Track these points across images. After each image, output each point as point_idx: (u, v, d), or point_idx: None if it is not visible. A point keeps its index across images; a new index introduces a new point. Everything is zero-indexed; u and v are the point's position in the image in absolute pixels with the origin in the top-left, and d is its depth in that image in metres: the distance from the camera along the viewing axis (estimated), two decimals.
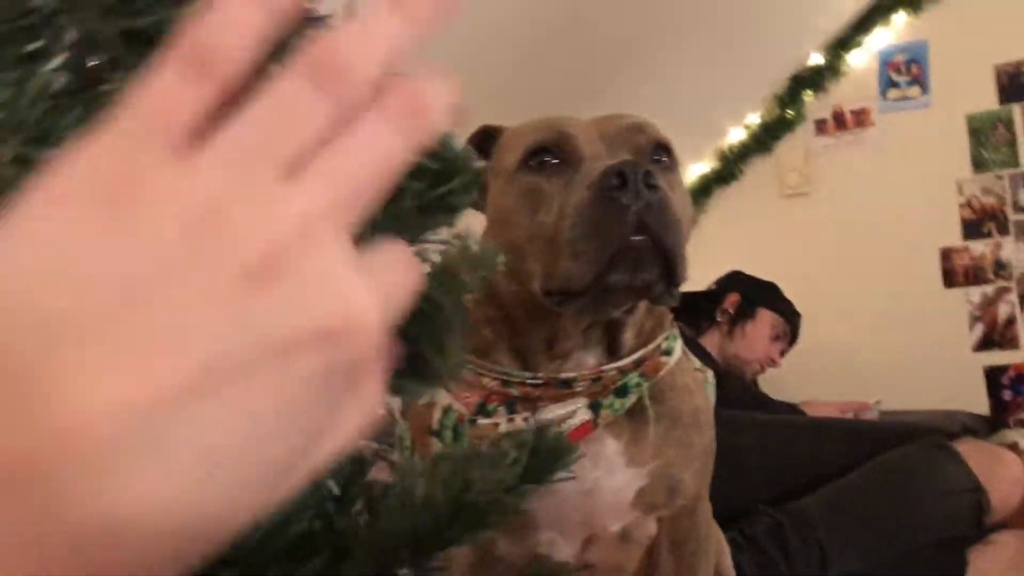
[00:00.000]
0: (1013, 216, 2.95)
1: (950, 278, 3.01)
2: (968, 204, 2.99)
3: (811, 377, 2.81)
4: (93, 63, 0.33)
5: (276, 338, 0.24)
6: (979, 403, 2.83)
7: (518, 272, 0.90)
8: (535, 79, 2.24)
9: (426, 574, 0.40)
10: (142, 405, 0.22)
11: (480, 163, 0.40)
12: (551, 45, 2.31)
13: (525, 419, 0.92)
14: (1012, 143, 2.94)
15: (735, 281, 2.56)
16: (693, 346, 1.15)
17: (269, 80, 0.25)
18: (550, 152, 0.91)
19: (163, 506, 0.22)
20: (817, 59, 3.19)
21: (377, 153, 0.27)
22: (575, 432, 0.91)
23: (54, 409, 0.21)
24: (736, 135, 3.28)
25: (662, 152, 0.95)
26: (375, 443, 0.86)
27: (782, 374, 2.62)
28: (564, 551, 0.97)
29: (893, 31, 3.13)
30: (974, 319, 2.98)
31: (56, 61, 0.33)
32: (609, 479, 0.95)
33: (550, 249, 0.86)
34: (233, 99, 0.25)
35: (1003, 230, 2.96)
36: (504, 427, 0.93)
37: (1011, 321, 2.93)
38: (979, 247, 2.98)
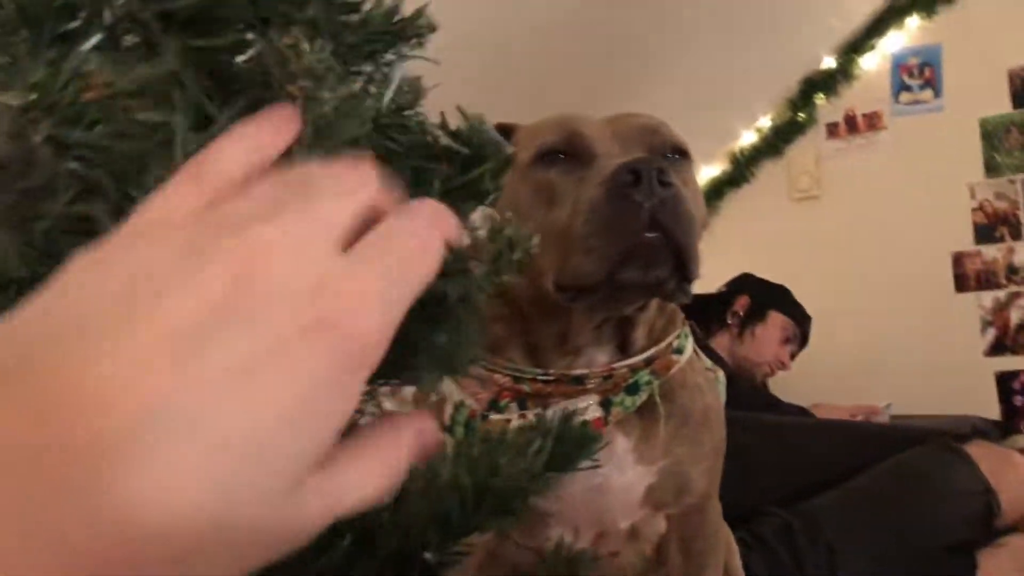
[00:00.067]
0: None
1: (962, 283, 3.00)
2: (980, 208, 2.98)
3: (821, 380, 2.80)
4: (128, 45, 0.34)
5: (277, 315, 0.26)
6: (990, 408, 2.82)
7: (530, 268, 0.90)
8: (548, 80, 2.24)
9: (450, 558, 0.40)
10: (168, 403, 0.24)
11: (510, 149, 0.40)
12: (564, 47, 2.31)
13: (537, 415, 0.92)
14: None
15: (745, 283, 2.56)
16: (703, 348, 1.15)
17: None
18: (563, 149, 0.91)
19: (193, 500, 0.24)
20: (829, 62, 3.19)
21: (343, 186, 0.31)
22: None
23: (87, 410, 0.23)
24: (747, 138, 3.28)
25: (676, 152, 0.95)
26: None
27: (792, 377, 2.62)
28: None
29: (906, 34, 3.13)
30: (986, 324, 2.97)
31: (92, 41, 0.33)
32: (619, 476, 0.95)
33: (563, 245, 0.86)
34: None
35: (1016, 235, 2.95)
36: (516, 423, 0.93)
37: (1023, 326, 2.92)
38: (991, 251, 2.97)
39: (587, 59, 2.41)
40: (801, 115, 3.22)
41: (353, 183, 0.31)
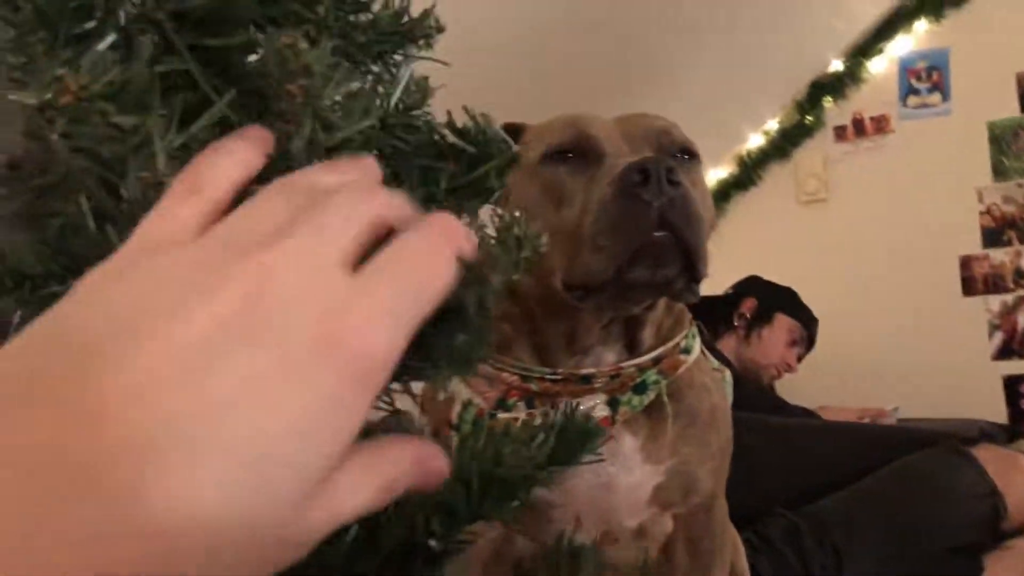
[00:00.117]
0: None
1: (969, 286, 3.00)
2: (988, 212, 2.98)
3: (828, 383, 2.80)
4: (144, 43, 0.34)
5: (289, 336, 0.27)
6: (998, 412, 2.81)
7: (539, 267, 0.90)
8: (556, 82, 2.25)
9: (454, 547, 0.41)
10: (181, 414, 0.25)
11: (515, 147, 0.41)
12: (572, 49, 2.32)
13: (544, 413, 0.93)
14: None
15: (752, 286, 2.56)
16: (710, 350, 1.16)
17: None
18: (572, 149, 0.91)
19: (206, 504, 0.25)
20: (837, 65, 3.18)
21: (348, 206, 0.31)
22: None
23: (108, 419, 0.25)
24: (755, 140, 3.28)
25: (685, 152, 0.95)
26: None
27: (799, 380, 2.62)
28: None
29: (914, 38, 3.13)
30: (993, 328, 2.96)
31: (107, 41, 0.34)
32: (626, 475, 0.96)
33: (571, 244, 0.86)
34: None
35: (1023, 239, 2.94)
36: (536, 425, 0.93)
37: None
38: (999, 255, 2.97)
39: (595, 61, 2.41)
40: (809, 118, 3.22)
41: (359, 197, 0.32)
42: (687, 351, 1.00)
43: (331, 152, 0.34)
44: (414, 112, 0.40)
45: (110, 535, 0.24)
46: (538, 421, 0.46)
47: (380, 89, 0.39)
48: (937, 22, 3.08)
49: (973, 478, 1.66)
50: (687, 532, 1.03)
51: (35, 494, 0.24)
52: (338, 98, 0.33)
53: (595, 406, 0.93)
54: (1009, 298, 2.95)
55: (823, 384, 2.77)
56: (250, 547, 0.26)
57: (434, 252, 0.31)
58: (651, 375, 0.96)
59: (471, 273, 0.32)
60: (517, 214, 0.36)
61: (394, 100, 0.39)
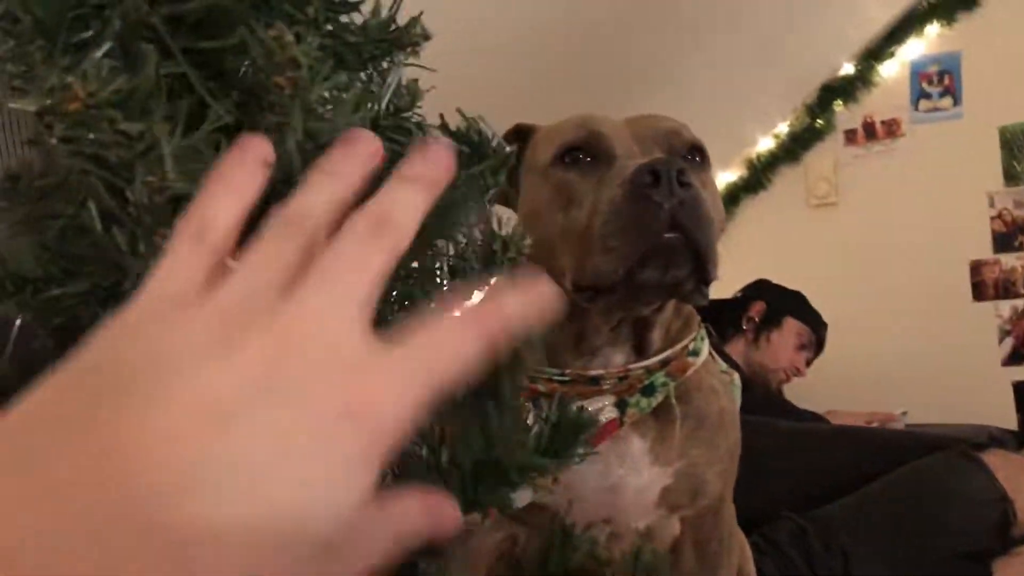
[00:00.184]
0: None
1: (980, 291, 2.99)
2: (999, 217, 2.97)
3: (837, 387, 2.79)
4: (139, 49, 0.35)
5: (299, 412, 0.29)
6: (1007, 418, 2.79)
7: (549, 268, 0.90)
8: (566, 85, 2.25)
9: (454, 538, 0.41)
10: (217, 462, 0.27)
11: (510, 147, 0.41)
12: (582, 52, 2.32)
13: (539, 408, 0.93)
14: None
15: (761, 289, 2.56)
16: (718, 353, 1.16)
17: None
18: (583, 150, 0.91)
19: (239, 544, 0.27)
20: (848, 69, 3.18)
21: (358, 261, 0.33)
22: (601, 430, 0.92)
23: (141, 459, 0.27)
24: (765, 144, 3.28)
25: (695, 153, 0.95)
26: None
27: (807, 384, 2.61)
28: None
29: (925, 42, 3.12)
30: (1004, 333, 2.95)
31: (103, 48, 0.34)
32: (634, 477, 0.96)
33: (582, 245, 0.86)
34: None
35: None
36: (530, 421, 0.94)
37: None
38: (1010, 260, 2.95)
39: (604, 63, 2.41)
40: (819, 121, 3.22)
41: (367, 244, 0.33)
42: (695, 353, 1.00)
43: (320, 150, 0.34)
44: (404, 115, 0.40)
45: (143, 563, 0.26)
46: (531, 417, 0.46)
47: (372, 91, 0.40)
48: (949, 26, 3.07)
49: (983, 483, 1.65)
50: (695, 534, 1.03)
51: (73, 527, 0.26)
52: (326, 93, 0.33)
53: (603, 408, 0.93)
54: (1020, 303, 2.93)
55: (831, 388, 2.76)
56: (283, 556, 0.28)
57: (462, 336, 0.32)
58: (659, 377, 0.96)
59: (503, 358, 0.33)
60: (498, 217, 0.36)
61: (384, 103, 0.40)
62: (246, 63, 0.37)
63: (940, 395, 2.77)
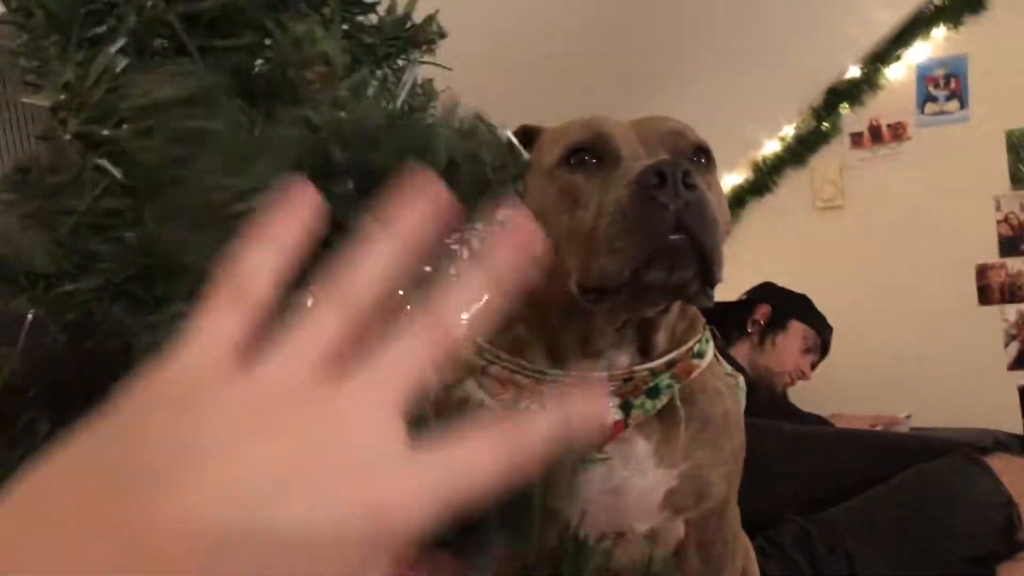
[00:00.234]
0: None
1: (986, 295, 2.98)
2: (1005, 220, 2.96)
3: (842, 391, 2.79)
4: (154, 45, 0.35)
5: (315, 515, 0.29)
6: (1013, 422, 2.79)
7: (554, 269, 0.91)
8: (572, 87, 2.25)
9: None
10: (245, 541, 0.28)
11: (527, 156, 0.41)
12: (588, 54, 2.32)
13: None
14: None
15: (766, 292, 2.55)
16: (723, 356, 1.16)
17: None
18: (589, 151, 0.91)
19: None
20: (854, 72, 3.17)
21: (403, 359, 0.32)
22: (606, 432, 0.92)
23: (179, 537, 0.27)
24: (771, 147, 3.27)
25: (701, 155, 0.95)
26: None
27: (812, 387, 2.61)
28: None
29: (932, 45, 3.11)
30: (1010, 337, 2.94)
31: (118, 44, 0.34)
32: (638, 479, 0.96)
33: (587, 246, 0.86)
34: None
35: None
36: None
37: None
38: (1016, 264, 2.94)
39: (610, 66, 2.41)
40: (825, 124, 3.21)
41: (419, 340, 0.33)
42: (700, 355, 1.00)
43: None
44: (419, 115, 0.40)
45: None
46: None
47: (388, 89, 0.40)
48: (955, 29, 3.06)
49: (988, 487, 1.64)
50: (699, 537, 1.03)
51: None
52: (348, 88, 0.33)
53: (608, 410, 0.93)
54: None
55: (836, 391, 2.76)
56: None
57: (491, 453, 0.32)
58: (664, 379, 0.96)
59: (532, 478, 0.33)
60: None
61: (400, 101, 0.40)
62: (259, 61, 0.37)
63: (945, 399, 2.76)
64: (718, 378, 1.03)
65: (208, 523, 0.27)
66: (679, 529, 1.02)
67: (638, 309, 0.92)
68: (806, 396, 2.60)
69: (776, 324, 2.48)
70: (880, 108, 3.16)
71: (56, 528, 0.28)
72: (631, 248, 0.82)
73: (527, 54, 2.13)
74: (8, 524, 0.28)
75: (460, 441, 0.32)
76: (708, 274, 0.85)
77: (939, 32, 3.09)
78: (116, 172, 0.37)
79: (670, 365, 0.96)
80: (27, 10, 0.35)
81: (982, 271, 2.99)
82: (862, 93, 3.17)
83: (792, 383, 2.52)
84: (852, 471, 1.75)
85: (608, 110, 0.98)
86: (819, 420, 2.31)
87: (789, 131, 3.26)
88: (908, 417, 2.57)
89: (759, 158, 3.27)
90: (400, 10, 0.40)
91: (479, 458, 0.32)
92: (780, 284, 2.58)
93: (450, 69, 0.39)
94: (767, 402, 2.25)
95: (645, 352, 0.97)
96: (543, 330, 0.97)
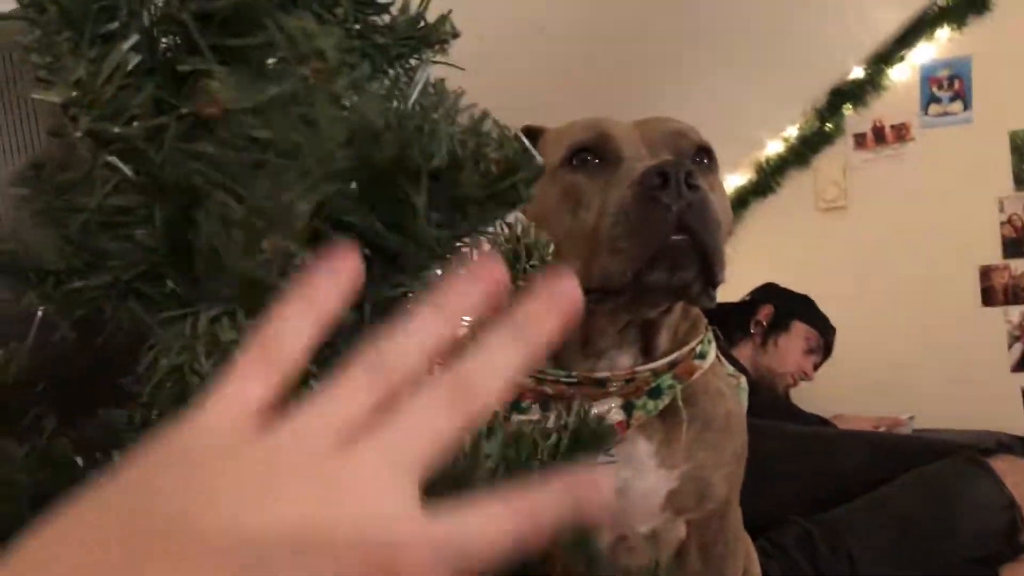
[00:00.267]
0: None
1: (989, 297, 2.97)
2: (1009, 222, 2.95)
3: (844, 392, 2.78)
4: (166, 43, 0.35)
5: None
6: (1016, 424, 2.78)
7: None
8: (576, 87, 2.25)
9: None
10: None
11: (541, 160, 0.41)
12: (592, 53, 2.32)
13: (558, 415, 0.93)
14: None
15: (769, 293, 2.55)
16: (725, 357, 1.16)
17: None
18: (592, 152, 0.91)
19: None
20: (858, 73, 3.17)
21: (427, 424, 0.32)
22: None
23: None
24: (774, 147, 3.27)
25: (703, 155, 0.95)
26: None
27: (815, 388, 2.61)
28: None
29: (936, 46, 3.10)
30: (1013, 339, 2.94)
31: (130, 41, 0.34)
32: (640, 480, 0.96)
33: (590, 246, 0.86)
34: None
35: None
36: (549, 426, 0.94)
37: None
38: (1020, 266, 2.94)
39: (614, 67, 2.41)
40: (828, 125, 3.21)
41: (443, 408, 0.32)
42: (702, 356, 1.00)
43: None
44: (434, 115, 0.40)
45: None
46: (551, 423, 0.46)
47: (400, 88, 0.40)
48: (959, 30, 3.06)
49: (990, 489, 1.64)
50: (700, 538, 1.03)
51: None
52: (350, 80, 0.33)
53: (609, 410, 0.93)
54: None
55: (839, 392, 2.75)
56: None
57: (498, 528, 0.32)
58: (666, 379, 0.96)
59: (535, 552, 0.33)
60: (526, 222, 0.36)
61: (411, 101, 0.40)
62: (271, 60, 0.37)
63: (948, 400, 2.76)
64: (720, 379, 1.03)
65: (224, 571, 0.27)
66: (680, 530, 1.02)
67: (640, 310, 0.92)
68: (809, 397, 2.60)
69: (779, 325, 2.48)
70: (884, 109, 3.16)
71: None
72: (633, 248, 0.82)
73: (530, 54, 2.13)
74: None
75: (469, 512, 0.32)
76: (710, 275, 0.85)
77: (943, 33, 3.08)
78: (127, 170, 0.37)
79: (672, 366, 0.96)
80: (40, 5, 0.35)
81: (986, 272, 2.98)
82: (866, 94, 3.17)
83: (795, 384, 2.52)
84: (855, 472, 1.75)
85: (611, 111, 0.98)
86: (822, 421, 2.31)
87: (792, 132, 3.25)
88: (911, 419, 2.57)
89: (762, 159, 3.27)
90: (413, 10, 0.40)
91: (487, 530, 0.32)
92: (783, 285, 2.58)
93: (463, 69, 0.39)
94: (769, 403, 2.25)
95: (647, 353, 0.97)
96: None
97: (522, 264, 0.36)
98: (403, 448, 0.31)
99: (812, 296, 2.55)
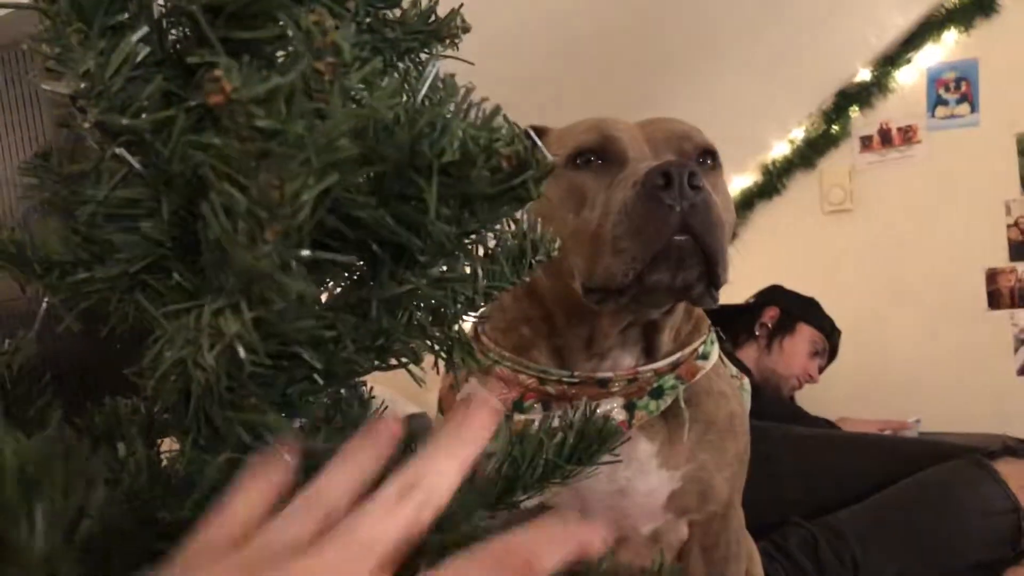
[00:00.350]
0: None
1: (995, 300, 2.97)
2: (1016, 225, 2.95)
3: (850, 394, 2.78)
4: (176, 35, 0.35)
5: None
6: (1022, 428, 2.78)
7: (559, 269, 0.91)
8: (582, 88, 2.25)
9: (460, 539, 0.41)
10: None
11: (552, 158, 0.41)
12: (598, 56, 2.32)
13: (560, 416, 0.93)
14: None
15: (775, 295, 2.55)
16: (729, 359, 1.15)
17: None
18: (596, 152, 0.91)
19: None
20: (865, 75, 3.16)
21: (382, 517, 0.36)
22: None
23: None
24: (780, 149, 3.27)
25: (707, 157, 0.95)
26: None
27: (820, 390, 2.60)
28: None
29: (943, 48, 3.10)
30: (1019, 342, 2.93)
31: (139, 33, 0.34)
32: (641, 480, 0.95)
33: (593, 246, 0.86)
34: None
35: None
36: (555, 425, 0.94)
37: None
38: None
39: (621, 68, 2.41)
40: (835, 127, 3.20)
41: (401, 507, 0.36)
42: (705, 357, 1.00)
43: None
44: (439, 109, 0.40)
45: None
46: (556, 422, 0.46)
47: (409, 83, 0.40)
48: (966, 33, 3.05)
49: (995, 493, 1.64)
50: (702, 539, 1.03)
51: None
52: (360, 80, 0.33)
53: (612, 410, 0.93)
54: None
55: (844, 395, 2.75)
56: None
57: None
58: (668, 380, 0.96)
59: None
60: (531, 220, 0.36)
61: (420, 96, 0.40)
62: (281, 53, 0.37)
63: (954, 403, 2.75)
64: (723, 380, 1.03)
65: None
66: (682, 531, 1.02)
67: (643, 310, 0.92)
68: (814, 400, 2.59)
69: (784, 327, 2.48)
70: (890, 111, 3.16)
71: None
72: (636, 249, 0.82)
73: (537, 55, 2.13)
74: None
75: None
76: (713, 275, 0.85)
77: (950, 35, 3.08)
78: (134, 162, 0.37)
79: (674, 366, 0.96)
80: None
81: (992, 275, 2.98)
82: (872, 96, 3.17)
83: (800, 386, 2.52)
84: (859, 475, 1.75)
85: (617, 111, 0.98)
86: (827, 424, 2.31)
87: (799, 134, 3.25)
88: (917, 422, 2.56)
89: (768, 160, 3.26)
90: (424, 4, 0.40)
91: None
92: (788, 287, 2.58)
93: (472, 63, 0.39)
94: (774, 405, 2.24)
95: (649, 353, 0.97)
96: (548, 330, 0.97)
97: (527, 260, 0.36)
98: (363, 542, 0.34)
99: (817, 298, 2.54)
